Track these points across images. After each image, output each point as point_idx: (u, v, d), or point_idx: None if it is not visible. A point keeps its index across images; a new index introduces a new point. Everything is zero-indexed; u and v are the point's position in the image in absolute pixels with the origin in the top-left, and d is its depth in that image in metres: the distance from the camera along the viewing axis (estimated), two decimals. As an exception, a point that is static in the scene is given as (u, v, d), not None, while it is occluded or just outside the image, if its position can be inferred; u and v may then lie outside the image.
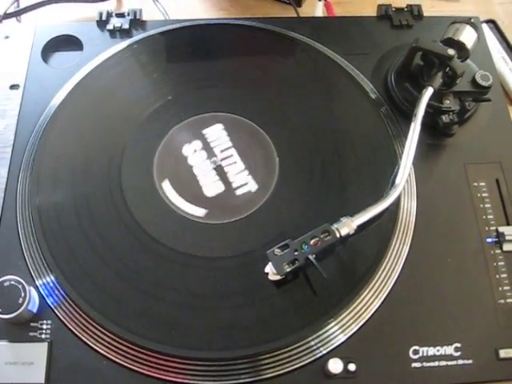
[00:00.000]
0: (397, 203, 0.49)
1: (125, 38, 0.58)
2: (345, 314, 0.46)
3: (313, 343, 0.46)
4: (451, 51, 0.51)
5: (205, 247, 0.49)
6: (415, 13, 0.60)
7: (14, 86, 0.56)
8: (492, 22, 0.66)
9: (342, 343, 0.46)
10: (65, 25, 0.59)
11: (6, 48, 0.58)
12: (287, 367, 0.45)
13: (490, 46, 0.61)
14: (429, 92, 0.51)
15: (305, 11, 0.67)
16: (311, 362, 0.45)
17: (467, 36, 0.52)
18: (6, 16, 0.66)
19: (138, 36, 0.58)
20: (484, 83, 0.52)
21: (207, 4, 0.68)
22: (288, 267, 0.45)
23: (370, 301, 0.47)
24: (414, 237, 0.50)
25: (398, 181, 0.48)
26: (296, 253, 0.46)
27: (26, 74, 0.56)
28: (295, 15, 0.65)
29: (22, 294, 0.45)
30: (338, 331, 0.46)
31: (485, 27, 0.64)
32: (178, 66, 0.57)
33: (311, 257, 0.45)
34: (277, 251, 0.46)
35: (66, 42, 0.58)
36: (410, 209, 0.51)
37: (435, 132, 0.53)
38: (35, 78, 0.56)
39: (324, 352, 0.46)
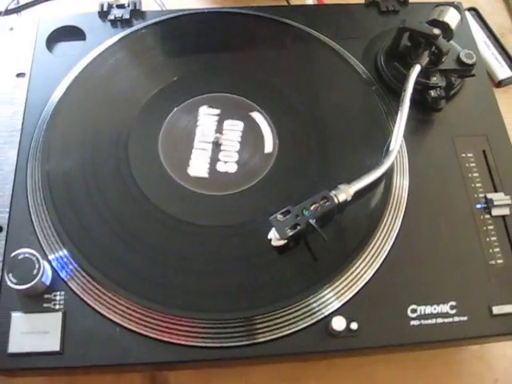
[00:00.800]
0: (390, 174, 0.52)
1: (125, 28, 0.60)
2: (345, 277, 0.49)
3: (315, 305, 0.48)
4: (436, 30, 0.54)
5: (208, 217, 0.51)
6: (401, -1, 0.63)
7: (20, 75, 0.58)
8: (474, 10, 0.69)
9: (344, 304, 0.48)
10: (67, 16, 0.61)
11: (11, 39, 0.60)
12: (292, 328, 0.47)
13: (473, 32, 0.64)
14: (417, 69, 0.54)
15: (294, 2, 0.70)
16: (315, 322, 0.48)
17: (451, 17, 0.56)
18: (8, 12, 0.68)
19: (139, 25, 0.60)
20: (468, 61, 0.55)
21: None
22: (290, 231, 0.48)
23: (369, 264, 0.49)
24: (408, 205, 0.52)
25: (391, 147, 0.51)
26: (297, 218, 0.48)
27: (31, 62, 0.59)
28: (278, 4, 0.68)
29: (37, 266, 0.47)
30: (339, 293, 0.48)
31: (467, 15, 0.68)
32: (181, 51, 0.60)
33: (312, 221, 0.48)
34: (279, 217, 0.48)
35: (69, 33, 0.61)
36: (402, 180, 0.53)
37: (424, 108, 0.56)
38: (40, 67, 0.58)
39: (327, 313, 0.48)
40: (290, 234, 0.48)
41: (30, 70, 0.58)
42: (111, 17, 0.61)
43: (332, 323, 0.47)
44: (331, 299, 0.48)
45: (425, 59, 0.54)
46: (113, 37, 0.59)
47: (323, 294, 0.48)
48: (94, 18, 0.61)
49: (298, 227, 0.48)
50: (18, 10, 0.69)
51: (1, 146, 0.54)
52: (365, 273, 0.49)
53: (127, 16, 0.61)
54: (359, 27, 0.62)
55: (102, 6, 0.61)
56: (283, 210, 0.49)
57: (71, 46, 0.60)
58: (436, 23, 0.56)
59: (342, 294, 0.49)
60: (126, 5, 0.62)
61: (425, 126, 0.56)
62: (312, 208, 0.49)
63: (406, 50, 0.57)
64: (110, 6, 0.61)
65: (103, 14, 0.61)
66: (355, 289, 0.49)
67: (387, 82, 0.58)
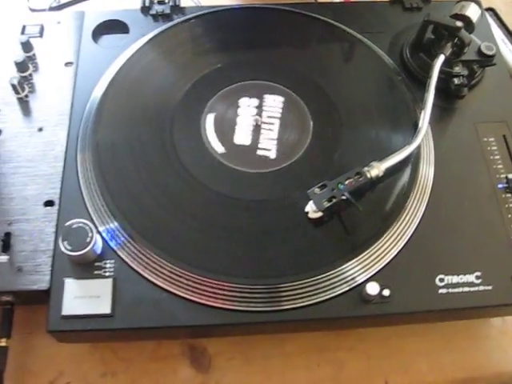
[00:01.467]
0: (417, 155, 0.56)
1: (166, 22, 0.65)
2: (377, 247, 0.52)
3: (350, 273, 0.51)
4: (459, 23, 0.58)
5: (250, 192, 0.55)
6: (423, -4, 0.68)
7: (68, 64, 0.62)
8: (491, 10, 0.74)
9: (376, 273, 0.51)
10: (111, 11, 0.66)
11: (59, 31, 0.65)
12: (329, 294, 0.50)
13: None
14: (441, 58, 0.58)
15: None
16: (350, 289, 0.51)
17: (472, 11, 0.60)
18: (51, 9, 0.72)
19: (180, 19, 0.65)
20: (489, 52, 0.60)
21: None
22: (327, 203, 0.51)
23: (400, 236, 0.53)
24: (434, 184, 0.56)
25: (419, 126, 0.54)
26: (333, 191, 0.52)
27: (78, 53, 0.63)
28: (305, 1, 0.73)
29: (90, 234, 0.50)
30: (372, 262, 0.52)
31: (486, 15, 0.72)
32: (224, 42, 0.64)
33: (347, 194, 0.51)
34: (316, 190, 0.52)
35: (113, 26, 0.65)
36: (428, 164, 0.57)
37: (447, 96, 0.60)
38: (87, 57, 0.62)
39: (360, 281, 0.51)
40: (327, 205, 0.51)
41: (77, 59, 0.62)
42: (153, 12, 0.65)
43: (366, 288, 0.50)
44: (365, 268, 0.51)
45: (448, 50, 0.58)
46: (155, 29, 0.63)
47: (357, 262, 0.51)
48: (136, 13, 0.66)
49: (334, 199, 0.51)
50: (59, 8, 0.74)
51: (52, 128, 0.58)
52: (396, 244, 0.53)
53: (168, 11, 0.65)
54: (385, 23, 0.66)
55: (144, 2, 0.65)
56: (320, 184, 0.52)
57: (115, 38, 0.64)
58: (458, 17, 0.60)
59: (375, 263, 0.52)
60: (167, 1, 0.66)
61: (448, 113, 0.60)
62: (347, 182, 0.52)
63: (430, 42, 0.61)
64: (152, 2, 0.66)
65: (145, 9, 0.66)
66: (387, 259, 0.52)
67: (412, 72, 0.61)
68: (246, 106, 0.60)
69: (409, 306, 0.51)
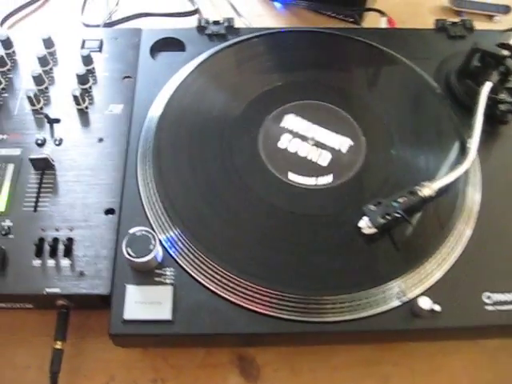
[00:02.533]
0: (465, 176, 0.58)
1: (221, 42, 0.67)
2: (428, 264, 0.54)
3: (401, 287, 0.52)
4: (506, 52, 0.61)
5: (302, 206, 0.57)
6: (467, 26, 0.71)
7: (126, 77, 0.65)
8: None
9: (427, 289, 0.53)
10: (168, 29, 0.68)
11: (116, 47, 0.67)
12: (381, 307, 0.52)
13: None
14: (488, 85, 0.60)
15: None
16: (401, 304, 0.52)
17: (518, 41, 0.63)
18: (105, 25, 0.75)
19: (236, 38, 0.67)
20: (532, 82, 0.62)
21: (279, 21, 0.79)
22: (382, 220, 0.53)
23: (448, 254, 0.54)
24: (481, 206, 0.58)
25: (469, 148, 0.57)
26: (388, 208, 0.54)
27: (136, 68, 0.65)
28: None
29: (153, 242, 0.52)
30: (423, 278, 0.53)
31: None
32: (281, 62, 0.67)
33: (401, 211, 0.53)
34: (371, 207, 0.54)
35: (169, 44, 0.68)
36: (475, 187, 0.59)
37: (492, 121, 0.62)
38: (145, 72, 0.65)
39: (411, 296, 0.53)
40: (382, 222, 0.53)
41: (136, 74, 0.65)
42: (208, 31, 0.68)
43: (419, 302, 0.51)
44: (416, 283, 0.53)
45: (495, 77, 0.61)
46: (210, 48, 0.66)
47: (409, 278, 0.53)
48: (192, 32, 0.69)
49: (389, 216, 0.53)
50: (112, 24, 0.76)
51: (112, 139, 0.61)
52: (445, 261, 0.54)
53: (223, 31, 0.68)
54: (430, 49, 0.69)
55: (199, 22, 0.68)
56: (375, 202, 0.54)
57: (172, 55, 0.67)
58: (505, 46, 0.62)
59: (425, 279, 0.53)
60: (221, 21, 0.69)
61: (493, 138, 0.62)
62: (400, 200, 0.54)
63: (476, 70, 0.63)
64: (207, 22, 0.68)
65: (201, 29, 0.69)
66: (436, 275, 0.54)
67: (458, 97, 0.64)
68: (301, 126, 0.62)
69: (458, 321, 0.52)
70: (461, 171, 0.56)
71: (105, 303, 0.55)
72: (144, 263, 0.52)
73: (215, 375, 0.57)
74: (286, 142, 0.61)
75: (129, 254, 0.52)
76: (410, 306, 0.52)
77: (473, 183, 0.59)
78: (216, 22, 0.69)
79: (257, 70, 0.66)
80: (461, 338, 0.57)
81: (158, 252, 0.53)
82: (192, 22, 0.78)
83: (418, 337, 0.55)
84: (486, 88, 0.60)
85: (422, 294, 0.53)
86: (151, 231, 0.53)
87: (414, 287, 0.53)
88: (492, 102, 0.62)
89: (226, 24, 0.69)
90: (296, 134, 0.61)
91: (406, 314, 0.52)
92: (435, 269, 0.54)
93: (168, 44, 0.68)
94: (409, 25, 0.76)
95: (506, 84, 0.62)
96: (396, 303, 0.52)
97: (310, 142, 0.61)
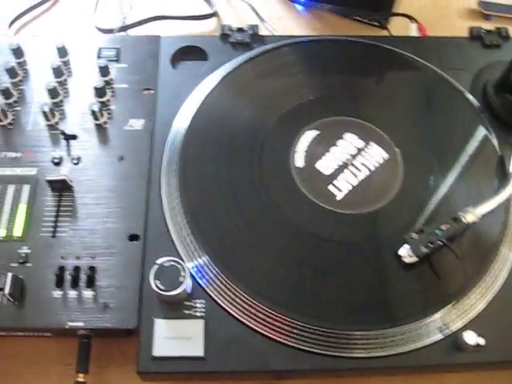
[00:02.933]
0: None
1: (246, 50, 0.63)
2: (471, 295, 0.51)
3: (444, 320, 0.50)
4: (548, 68, 0.58)
5: (338, 233, 0.54)
6: (503, 34, 0.67)
7: (146, 89, 0.61)
8: None
9: (469, 322, 0.51)
10: (188, 37, 0.65)
11: (134, 56, 0.63)
12: (422, 341, 0.50)
13: None
14: (530, 101, 0.58)
15: (386, 32, 0.75)
16: (443, 338, 0.50)
17: (560, 54, 0.60)
18: (120, 30, 0.71)
19: (261, 47, 0.63)
20: None
21: (300, 24, 0.75)
22: (425, 249, 0.51)
23: (491, 284, 0.52)
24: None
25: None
26: (430, 236, 0.51)
27: (156, 79, 0.61)
28: (381, 35, 0.72)
29: (183, 273, 0.49)
30: (465, 311, 0.51)
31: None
32: (313, 73, 0.63)
33: (444, 240, 0.51)
34: (414, 235, 0.51)
35: (189, 52, 0.64)
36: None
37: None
38: (166, 83, 0.61)
39: (454, 329, 0.50)
40: (425, 251, 0.50)
41: (156, 85, 0.61)
42: (232, 40, 0.64)
43: (464, 337, 0.49)
44: (458, 315, 0.51)
45: (537, 92, 0.58)
46: (234, 57, 0.62)
47: (451, 310, 0.51)
48: (214, 40, 0.65)
49: (432, 245, 0.51)
50: (124, 28, 0.72)
51: (133, 158, 0.57)
52: (489, 290, 0.52)
53: (247, 40, 0.64)
54: (465, 59, 0.65)
55: (223, 29, 0.64)
56: (417, 229, 0.51)
57: (194, 64, 0.63)
58: (547, 60, 0.59)
59: (468, 310, 0.51)
60: (245, 29, 0.65)
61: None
62: (444, 228, 0.51)
63: (516, 83, 0.61)
64: (231, 30, 0.64)
65: (224, 37, 0.65)
66: (480, 306, 0.51)
67: (496, 111, 0.61)
68: (336, 145, 0.59)
69: (502, 355, 0.50)
70: (505, 195, 0.53)
71: (128, 333, 0.52)
72: (174, 296, 0.49)
73: (245, 406, 0.55)
74: (320, 162, 0.57)
75: (157, 287, 0.49)
76: (453, 340, 0.50)
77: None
78: (240, 30, 0.65)
79: (286, 82, 0.62)
80: (502, 369, 0.55)
81: (188, 284, 0.50)
82: (210, 24, 0.75)
83: (458, 369, 0.53)
84: (529, 104, 0.57)
85: (465, 326, 0.51)
86: (180, 261, 0.50)
87: (457, 319, 0.51)
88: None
89: (250, 32, 0.65)
90: (330, 154, 0.58)
91: (448, 347, 0.50)
92: (479, 299, 0.52)
93: (189, 52, 0.64)
94: (437, 29, 0.73)
95: (546, 98, 0.59)
96: (438, 337, 0.50)
97: (345, 164, 0.57)
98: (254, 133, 0.58)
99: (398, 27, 0.74)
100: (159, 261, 0.50)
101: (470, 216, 0.52)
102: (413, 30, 0.71)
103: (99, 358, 0.55)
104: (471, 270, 0.52)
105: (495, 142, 0.59)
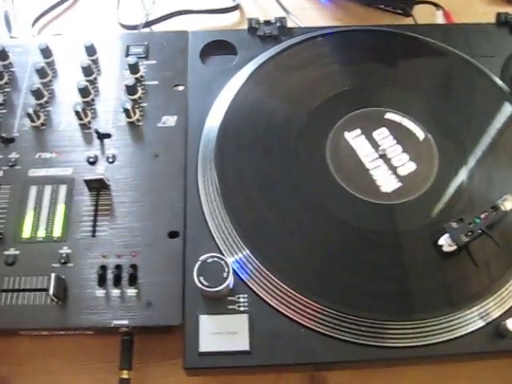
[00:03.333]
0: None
1: (274, 43, 0.63)
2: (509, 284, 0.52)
3: (485, 308, 0.51)
4: None
5: (380, 224, 0.54)
6: (532, 19, 0.67)
7: (177, 85, 0.61)
8: None
9: (509, 309, 0.51)
10: (216, 31, 0.64)
11: (163, 52, 0.63)
12: (466, 328, 0.50)
13: None
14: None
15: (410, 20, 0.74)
16: (484, 326, 0.50)
17: None
18: (144, 26, 0.71)
19: (290, 40, 0.63)
20: None
21: (324, 14, 0.75)
22: (465, 238, 0.51)
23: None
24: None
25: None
26: (470, 225, 0.51)
27: (186, 74, 0.61)
28: (404, 23, 0.72)
29: (226, 269, 0.50)
30: (506, 297, 0.51)
31: None
32: (341, 65, 0.63)
33: (484, 228, 0.51)
34: (453, 224, 0.51)
35: (218, 47, 0.64)
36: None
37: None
38: (196, 78, 0.61)
39: (495, 316, 0.51)
40: (466, 240, 0.51)
41: (186, 81, 0.61)
42: (260, 33, 0.64)
43: (507, 324, 0.49)
44: (497, 303, 0.51)
45: None
46: (264, 51, 0.62)
47: (493, 297, 0.51)
48: (243, 34, 0.65)
49: (472, 234, 0.51)
50: (150, 24, 0.72)
51: (168, 155, 0.57)
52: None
53: (276, 32, 0.64)
54: (493, 46, 0.65)
55: (250, 23, 0.64)
56: (457, 219, 0.51)
57: (223, 59, 0.63)
58: None
59: (507, 299, 0.51)
60: (273, 21, 0.64)
61: None
62: (482, 216, 0.52)
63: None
64: (258, 23, 0.64)
65: (252, 30, 0.64)
66: (519, 294, 0.52)
67: (527, 98, 0.61)
68: (372, 137, 0.59)
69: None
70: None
71: (168, 329, 0.53)
72: (218, 292, 0.49)
73: (288, 398, 0.55)
74: (355, 154, 0.58)
75: (202, 284, 0.49)
76: (494, 327, 0.50)
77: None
78: (267, 22, 0.65)
79: (317, 74, 0.62)
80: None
81: (231, 279, 0.50)
82: (234, 17, 0.75)
83: (498, 356, 0.53)
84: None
85: (505, 313, 0.51)
86: (222, 257, 0.50)
87: (497, 307, 0.51)
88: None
89: (278, 24, 0.64)
90: (366, 146, 0.58)
91: (489, 334, 0.50)
92: (518, 285, 0.52)
93: (217, 46, 0.64)
94: (462, 15, 0.73)
95: None
96: (480, 324, 0.50)
97: (380, 155, 0.57)
98: (288, 125, 0.58)
99: (422, 14, 0.73)
100: (202, 257, 0.50)
101: (509, 203, 0.52)
102: (438, 17, 0.71)
103: (141, 355, 0.55)
104: (510, 258, 0.52)
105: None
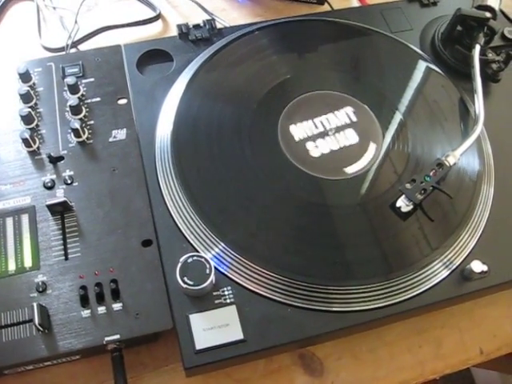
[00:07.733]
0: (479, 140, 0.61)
1: (208, 45, 0.65)
2: (466, 230, 0.56)
3: (448, 258, 0.55)
4: (488, 14, 0.63)
5: (332, 197, 0.58)
6: (436, -10, 0.73)
7: (120, 99, 0.61)
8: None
9: (468, 254, 0.56)
10: (148, 41, 0.65)
11: (98, 68, 0.63)
12: (434, 279, 0.54)
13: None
14: (478, 48, 0.63)
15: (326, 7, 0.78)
16: (450, 273, 0.55)
17: (493, 1, 0.65)
18: (71, 46, 0.70)
19: (222, 40, 0.65)
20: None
21: (244, 12, 0.77)
22: (420, 196, 0.55)
23: (482, 213, 0.58)
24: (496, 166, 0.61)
25: (477, 113, 0.60)
26: (422, 184, 0.55)
27: (127, 87, 0.62)
28: (322, 11, 0.76)
29: (207, 265, 0.51)
30: (463, 244, 0.56)
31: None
32: (284, 54, 0.66)
33: (435, 184, 0.55)
34: (407, 185, 0.55)
35: (153, 56, 0.64)
36: (486, 144, 0.62)
37: (484, 81, 0.65)
38: (138, 89, 0.62)
39: (457, 263, 0.55)
40: (421, 197, 0.55)
41: (128, 93, 0.61)
42: (192, 37, 0.66)
43: (472, 267, 0.54)
44: (457, 251, 0.56)
45: (481, 39, 0.64)
46: (198, 54, 0.64)
47: (452, 247, 0.55)
48: (175, 40, 0.66)
49: (426, 191, 0.55)
50: (76, 43, 0.72)
51: (124, 167, 0.57)
52: (481, 223, 0.57)
53: (206, 35, 0.66)
54: (408, 21, 0.70)
55: (181, 29, 0.65)
56: (410, 179, 0.55)
57: (161, 67, 0.64)
58: (482, 8, 0.65)
59: (466, 245, 0.56)
60: (202, 24, 0.66)
61: (488, 96, 0.65)
62: (431, 174, 0.56)
63: (459, 34, 0.66)
64: (187, 28, 0.66)
65: (183, 36, 0.66)
66: (475, 238, 0.57)
67: (448, 62, 0.66)
68: (318, 117, 0.62)
69: (506, 276, 0.55)
70: (476, 134, 0.58)
71: (155, 337, 0.54)
72: (203, 289, 0.51)
73: (281, 380, 0.57)
74: (305, 132, 0.61)
75: (186, 284, 0.50)
76: (459, 272, 0.55)
77: (484, 141, 0.61)
78: (196, 26, 0.66)
79: (257, 67, 0.64)
80: (503, 290, 0.60)
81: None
82: (157, 27, 0.76)
83: (467, 299, 0.58)
84: (477, 51, 0.63)
85: (466, 258, 0.56)
86: (200, 255, 0.51)
87: (458, 254, 0.56)
88: (483, 63, 0.64)
89: (207, 27, 0.66)
90: (312, 126, 0.61)
91: (456, 280, 0.55)
92: (473, 233, 0.57)
93: (152, 56, 0.65)
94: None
95: (490, 44, 0.65)
96: (445, 273, 0.55)
97: (328, 133, 0.61)
98: (238, 118, 0.61)
99: (336, 3, 0.77)
100: (181, 258, 0.51)
101: (451, 158, 0.57)
102: (353, 1, 0.75)
103: (132, 368, 0.56)
104: (460, 208, 0.57)
105: (453, 89, 0.64)
